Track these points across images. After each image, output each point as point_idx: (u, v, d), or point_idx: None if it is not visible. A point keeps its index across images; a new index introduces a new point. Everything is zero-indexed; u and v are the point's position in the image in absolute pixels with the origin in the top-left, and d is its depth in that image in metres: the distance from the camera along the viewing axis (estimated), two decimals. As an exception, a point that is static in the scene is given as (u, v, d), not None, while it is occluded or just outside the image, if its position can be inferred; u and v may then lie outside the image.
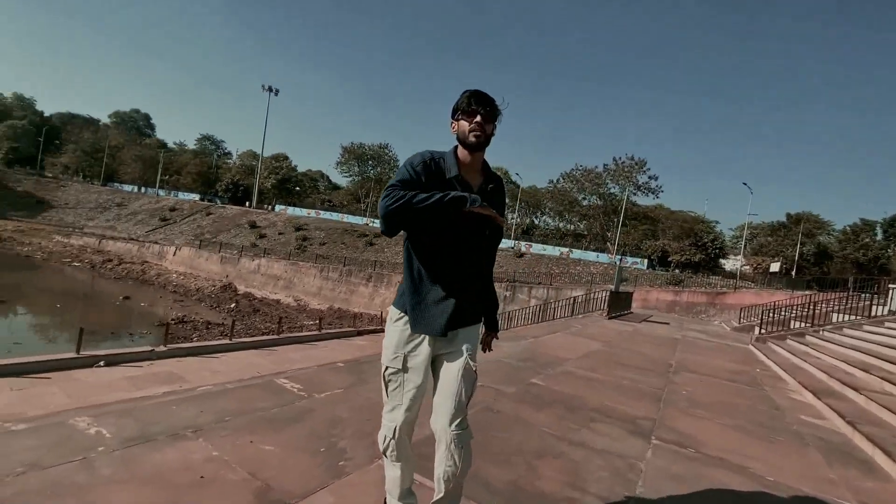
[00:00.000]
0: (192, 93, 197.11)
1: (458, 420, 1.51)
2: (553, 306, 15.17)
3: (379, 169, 53.83)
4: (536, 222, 57.84)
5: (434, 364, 1.63)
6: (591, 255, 37.45)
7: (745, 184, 37.13)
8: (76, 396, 8.59)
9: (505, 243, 40.58)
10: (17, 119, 65.97)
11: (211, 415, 2.50)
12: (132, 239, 39.70)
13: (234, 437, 2.26)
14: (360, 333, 17.84)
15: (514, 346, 6.14)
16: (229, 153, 74.14)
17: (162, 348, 12.59)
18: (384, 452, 1.61)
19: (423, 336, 1.56)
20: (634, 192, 42.97)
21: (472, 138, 1.52)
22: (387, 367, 1.58)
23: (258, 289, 29.27)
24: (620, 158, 42.48)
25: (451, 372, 1.55)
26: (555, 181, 48.38)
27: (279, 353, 14.17)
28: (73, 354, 10.44)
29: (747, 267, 39.17)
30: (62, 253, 35.16)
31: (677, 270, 33.73)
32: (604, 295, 14.33)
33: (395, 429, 1.56)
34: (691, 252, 35.12)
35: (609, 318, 12.25)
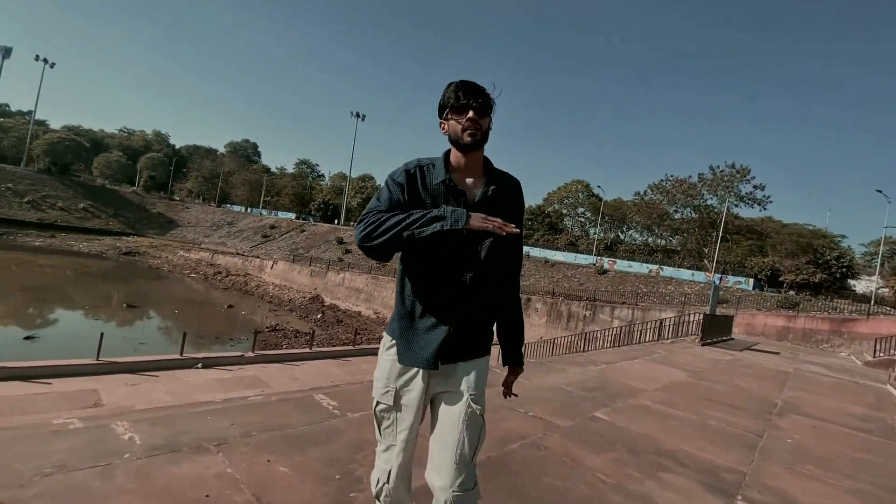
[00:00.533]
0: (294, 121, 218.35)
1: (461, 479, 1.26)
2: (638, 329, 13.98)
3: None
4: (622, 237, 54.47)
5: (433, 404, 1.39)
6: (684, 274, 34.21)
7: (879, 191, 31.62)
8: (174, 394, 9.46)
9: (586, 259, 38.71)
10: (155, 152, 78.03)
11: (239, 428, 2.50)
12: (238, 254, 44.40)
13: (253, 455, 2.21)
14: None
15: (581, 372, 5.61)
16: (322, 175, 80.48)
17: (250, 354, 13.61)
18: (377, 497, 1.40)
19: (416, 369, 1.34)
20: (736, 203, 38.71)
21: (466, 138, 1.29)
22: (377, 403, 1.39)
23: (342, 301, 30.94)
24: (718, 167, 38.62)
25: (450, 418, 1.32)
26: (641, 193, 45.35)
27: (353, 364, 14.66)
28: (177, 356, 11.66)
29: (885, 289, 33.03)
30: (183, 265, 40.33)
31: (792, 292, 29.48)
32: (697, 318, 12.84)
33: (389, 472, 1.36)
34: (809, 271, 30.54)
35: (702, 345, 10.90)
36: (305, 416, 2.82)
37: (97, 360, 10.30)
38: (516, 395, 1.61)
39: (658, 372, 6.37)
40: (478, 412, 1.33)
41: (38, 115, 67.37)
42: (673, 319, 13.81)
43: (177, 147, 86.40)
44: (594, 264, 37.10)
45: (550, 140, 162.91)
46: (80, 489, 1.74)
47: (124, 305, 24.66)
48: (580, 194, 56.53)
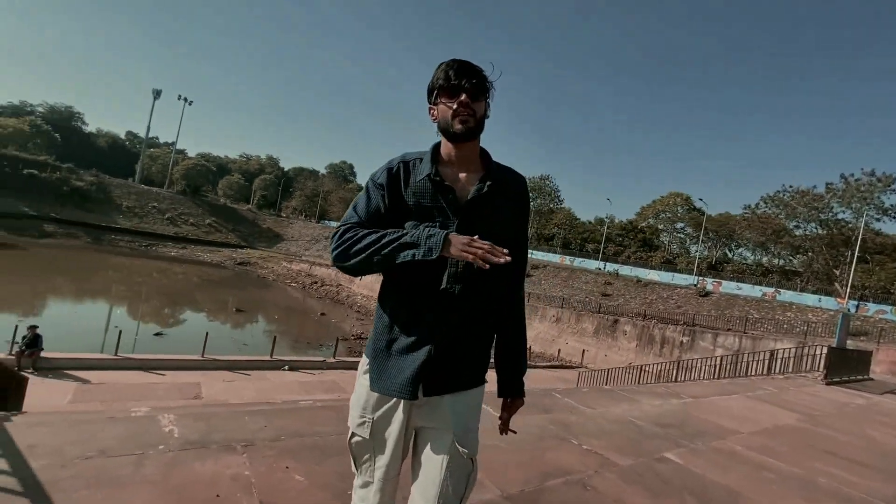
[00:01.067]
0: (385, 142, 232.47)
1: None
2: (746, 360, 12.32)
3: (539, 200, 53.61)
4: (730, 255, 48.90)
5: (416, 440, 1.22)
6: (808, 299, 29.58)
7: None
8: (261, 392, 10.24)
9: (685, 279, 35.32)
10: (267, 174, 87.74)
11: (271, 431, 2.54)
12: (332, 266, 47.70)
13: (275, 460, 2.21)
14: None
15: (659, 404, 4.97)
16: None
17: (331, 360, 14.45)
18: None
19: (394, 399, 1.16)
20: (877, 217, 32.69)
21: (457, 125, 1.12)
22: (352, 434, 1.22)
23: (423, 314, 31.60)
24: (852, 174, 33.07)
25: (433, 461, 1.15)
26: (752, 206, 40.37)
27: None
28: (267, 358, 12.75)
29: None
30: (286, 275, 44.40)
31: (960, 326, 23.88)
32: (822, 351, 10.90)
33: None
34: None
35: (827, 384, 9.19)
36: (339, 425, 2.80)
37: (202, 356, 11.64)
38: (514, 432, 1.36)
39: (760, 412, 5.44)
40: (465, 455, 1.15)
41: (179, 145, 79.86)
42: (790, 351, 11.90)
43: (285, 169, 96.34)
44: (695, 285, 33.65)
45: (643, 152, 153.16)
46: (109, 475, 1.86)
47: (235, 310, 27.75)
48: (679, 208, 52.07)
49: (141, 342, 17.60)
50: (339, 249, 1.10)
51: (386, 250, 1.06)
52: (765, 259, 45.27)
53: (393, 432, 1.16)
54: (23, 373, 8.21)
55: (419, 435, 1.20)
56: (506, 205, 1.21)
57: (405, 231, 1.08)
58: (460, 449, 1.14)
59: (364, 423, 1.19)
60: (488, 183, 1.16)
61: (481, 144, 1.23)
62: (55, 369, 9.91)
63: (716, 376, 13.09)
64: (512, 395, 1.31)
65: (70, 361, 10.31)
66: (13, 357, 9.57)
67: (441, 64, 1.15)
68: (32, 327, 10.28)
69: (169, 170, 69.39)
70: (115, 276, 34.05)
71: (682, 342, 22.14)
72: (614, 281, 35.67)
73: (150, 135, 77.14)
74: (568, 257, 45.09)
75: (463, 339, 1.17)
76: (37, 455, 1.88)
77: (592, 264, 42.43)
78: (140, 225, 53.01)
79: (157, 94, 69.48)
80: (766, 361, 11.55)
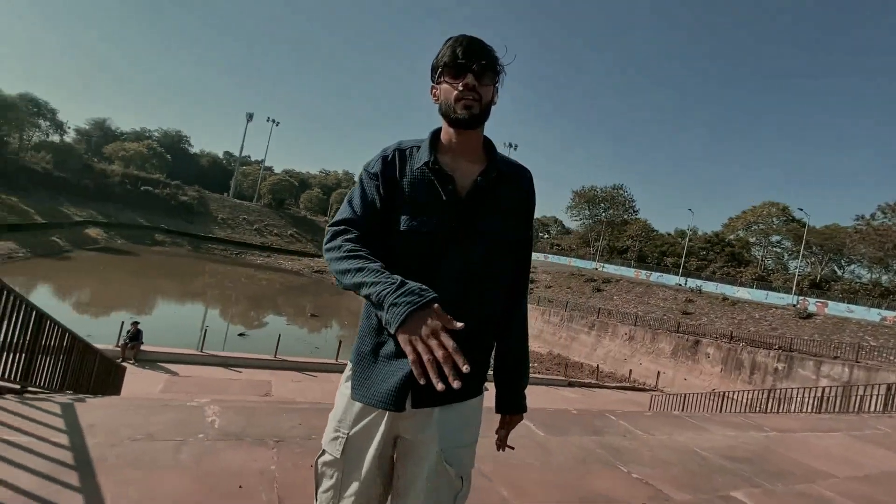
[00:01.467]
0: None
1: None
2: (858, 393, 10.73)
3: (612, 211, 51.13)
4: (839, 273, 43.07)
5: (400, 457, 1.09)
6: (943, 325, 25.06)
7: None
8: (325, 393, 10.72)
9: (781, 298, 31.67)
10: (343, 188, 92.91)
11: (304, 429, 2.61)
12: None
13: (301, 457, 2.26)
14: (570, 384, 16.80)
15: (734, 436, 4.41)
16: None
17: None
18: None
19: (377, 411, 1.02)
20: None
21: (460, 110, 1.00)
22: (322, 452, 1.08)
23: (487, 326, 31.40)
24: None
25: (416, 481, 1.01)
26: (868, 217, 35.29)
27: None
28: (333, 361, 13.32)
29: None
30: (356, 284, 46.54)
31: None
32: (957, 388, 9.16)
33: None
34: None
35: (963, 427, 7.63)
36: (369, 429, 2.81)
37: (274, 356, 12.48)
38: (512, 448, 1.25)
39: (864, 454, 4.62)
40: (452, 474, 1.02)
41: (267, 162, 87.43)
42: (916, 386, 10.15)
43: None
44: (794, 305, 30.02)
45: (730, 160, 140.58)
46: (150, 457, 2.00)
47: (310, 315, 29.55)
48: (774, 219, 46.99)
49: (229, 341, 19.35)
50: (329, 255, 1.03)
51: (354, 289, 0.94)
52: (884, 278, 39.20)
53: (371, 453, 1.02)
54: (124, 363, 9.33)
55: (403, 451, 1.06)
56: (510, 200, 1.11)
57: (379, 279, 0.90)
58: (448, 467, 1.02)
59: (337, 438, 1.05)
60: (492, 175, 1.07)
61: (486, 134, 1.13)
62: (152, 361, 11.14)
63: (818, 410, 11.49)
64: (512, 410, 1.21)
65: (164, 355, 11.55)
66: (118, 349, 10.92)
67: (449, 39, 1.05)
68: (135, 323, 11.70)
69: (258, 185, 76.13)
70: (210, 281, 37.84)
71: (776, 369, 19.79)
72: (696, 298, 32.87)
73: (244, 153, 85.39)
74: (644, 271, 42.40)
75: (460, 344, 1.08)
76: (93, 433, 2.09)
77: (671, 280, 39.57)
78: (232, 235, 58.57)
79: (249, 117, 76.89)
80: (883, 396, 9.95)
